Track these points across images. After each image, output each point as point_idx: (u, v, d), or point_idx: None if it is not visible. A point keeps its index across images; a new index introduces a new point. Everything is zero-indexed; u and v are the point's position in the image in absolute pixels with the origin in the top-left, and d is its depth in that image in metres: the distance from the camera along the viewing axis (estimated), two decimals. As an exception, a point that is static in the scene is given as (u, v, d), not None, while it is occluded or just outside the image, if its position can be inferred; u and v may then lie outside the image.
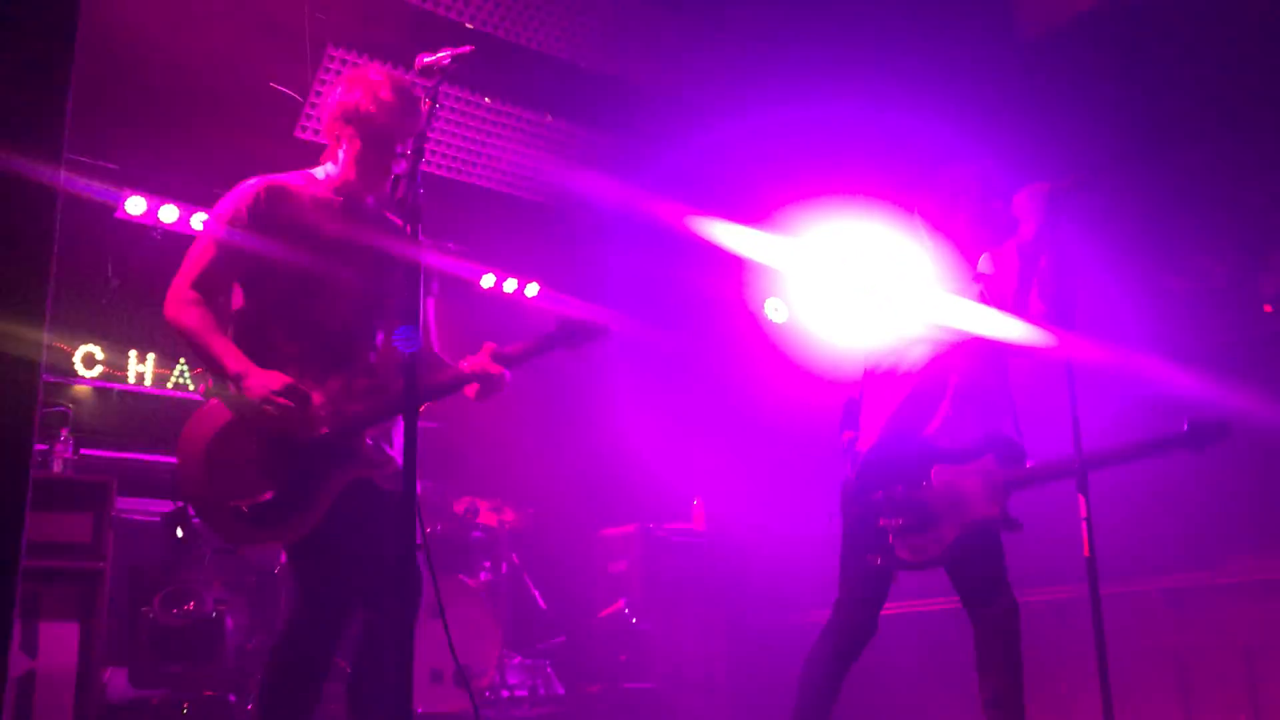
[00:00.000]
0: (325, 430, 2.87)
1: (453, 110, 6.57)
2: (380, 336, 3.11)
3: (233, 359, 2.86)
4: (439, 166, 6.81)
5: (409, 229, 2.43)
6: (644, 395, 7.99)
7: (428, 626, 5.16)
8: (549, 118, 6.85)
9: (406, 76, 3.13)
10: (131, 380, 6.62)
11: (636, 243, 7.53)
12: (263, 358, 2.90)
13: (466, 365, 3.08)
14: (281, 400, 2.79)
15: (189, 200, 6.57)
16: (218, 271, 2.98)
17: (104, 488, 4.85)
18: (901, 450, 3.51)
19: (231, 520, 2.81)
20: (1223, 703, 5.82)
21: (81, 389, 6.48)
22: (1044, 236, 3.44)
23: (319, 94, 6.22)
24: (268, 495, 2.81)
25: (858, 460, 3.60)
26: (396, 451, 2.99)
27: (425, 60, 2.64)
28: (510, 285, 7.81)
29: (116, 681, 5.17)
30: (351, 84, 3.20)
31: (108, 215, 6.44)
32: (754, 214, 7.37)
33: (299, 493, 2.83)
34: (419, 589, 2.92)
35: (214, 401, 2.89)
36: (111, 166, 6.39)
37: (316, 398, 2.88)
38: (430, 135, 6.99)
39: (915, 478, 3.46)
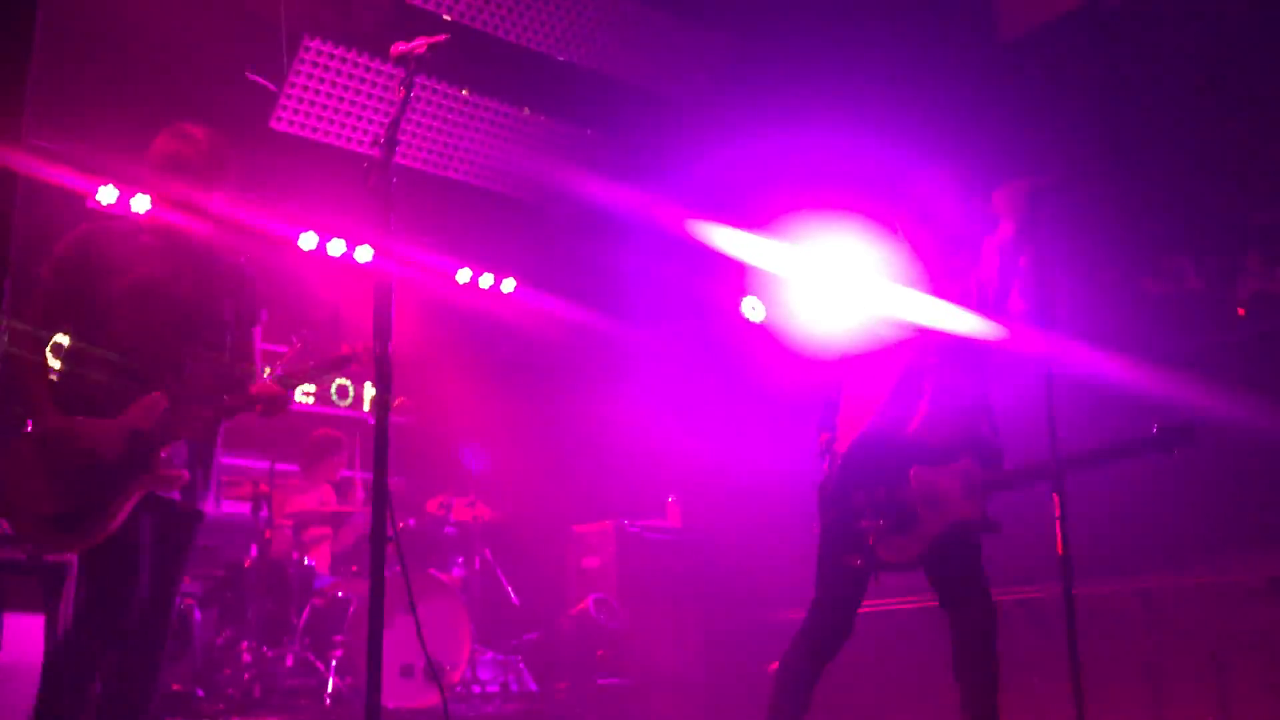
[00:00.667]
0: (113, 455, 3.18)
1: (429, 103, 6.53)
2: (187, 363, 3.42)
3: (36, 406, 3.23)
4: (415, 159, 6.76)
5: (381, 218, 2.40)
6: (619, 393, 7.97)
7: (399, 621, 5.13)
8: (527, 111, 6.81)
9: (218, 132, 3.57)
10: None
11: (614, 239, 7.50)
12: (79, 384, 3.28)
13: (254, 389, 3.43)
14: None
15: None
16: (52, 313, 3.35)
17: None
18: (881, 452, 3.50)
19: (34, 526, 3.16)
20: (1192, 703, 5.86)
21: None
22: (1024, 234, 3.44)
23: (294, 85, 6.17)
24: (69, 505, 3.15)
25: (836, 462, 3.59)
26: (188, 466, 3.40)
27: (400, 48, 2.62)
28: (486, 281, 7.78)
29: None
30: (168, 134, 3.51)
31: (80, 205, 6.36)
32: (733, 211, 7.36)
33: (96, 502, 3.17)
34: (165, 629, 3.37)
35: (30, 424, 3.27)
36: (83, 155, 6.31)
37: (84, 433, 3.19)
38: (407, 128, 6.97)
39: (895, 479, 3.46)
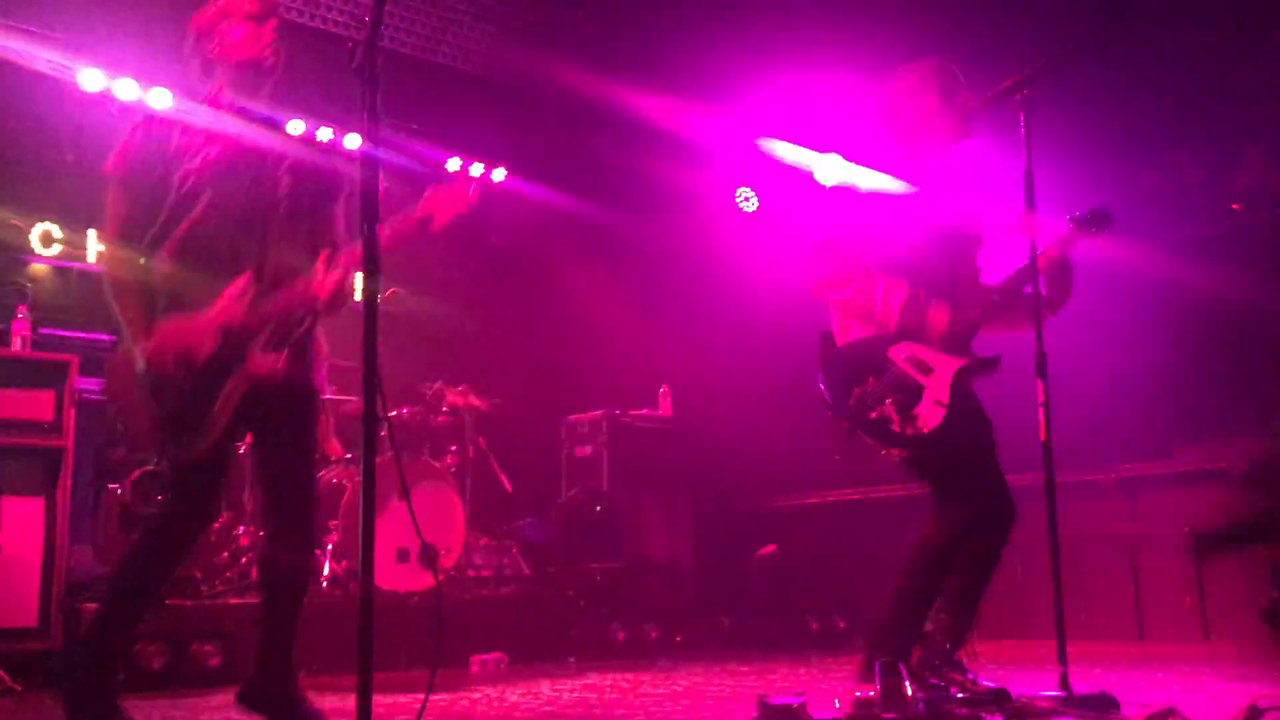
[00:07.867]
0: (208, 352, 2.99)
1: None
2: (270, 247, 3.13)
3: (133, 326, 3.02)
4: (403, 44, 6.64)
5: (368, 99, 2.35)
6: (610, 284, 7.97)
7: (394, 507, 5.21)
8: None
9: None
10: (91, 259, 6.51)
11: (605, 128, 7.41)
12: (169, 283, 3.03)
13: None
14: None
15: (145, 74, 6.39)
16: (133, 216, 3.07)
17: (65, 366, 4.79)
18: (853, 355, 3.45)
19: (147, 439, 2.97)
20: (1169, 587, 6.01)
21: (40, 268, 6.37)
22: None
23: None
24: (172, 413, 2.99)
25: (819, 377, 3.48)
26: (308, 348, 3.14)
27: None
28: (476, 170, 7.69)
29: (81, 559, 5.20)
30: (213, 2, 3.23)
31: (62, 90, 6.26)
32: (727, 102, 7.25)
33: (196, 409, 2.99)
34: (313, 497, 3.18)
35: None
36: (65, 38, 6.19)
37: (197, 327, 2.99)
38: (394, 10, 6.78)
39: (877, 368, 3.42)
